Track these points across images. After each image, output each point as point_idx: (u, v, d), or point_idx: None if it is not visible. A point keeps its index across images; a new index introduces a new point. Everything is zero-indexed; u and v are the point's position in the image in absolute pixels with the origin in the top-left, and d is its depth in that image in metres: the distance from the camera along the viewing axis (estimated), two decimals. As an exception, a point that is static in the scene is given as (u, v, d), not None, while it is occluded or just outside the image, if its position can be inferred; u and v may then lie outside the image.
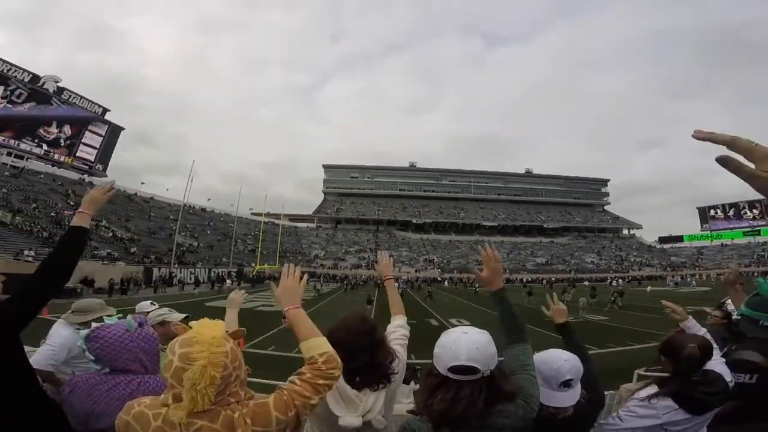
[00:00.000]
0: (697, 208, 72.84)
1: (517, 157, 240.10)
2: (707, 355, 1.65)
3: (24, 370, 1.23)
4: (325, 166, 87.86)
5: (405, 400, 5.03)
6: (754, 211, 64.51)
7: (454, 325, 1.42)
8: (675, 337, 1.76)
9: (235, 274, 33.73)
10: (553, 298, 1.94)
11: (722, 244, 66.36)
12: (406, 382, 5.22)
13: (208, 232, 48.96)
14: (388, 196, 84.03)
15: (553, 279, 46.24)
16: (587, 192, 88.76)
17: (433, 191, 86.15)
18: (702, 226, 70.90)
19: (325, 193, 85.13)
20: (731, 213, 67.47)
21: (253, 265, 40.68)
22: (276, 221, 59.66)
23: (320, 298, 24.35)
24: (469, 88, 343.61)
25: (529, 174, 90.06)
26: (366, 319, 1.39)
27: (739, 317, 2.07)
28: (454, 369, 1.07)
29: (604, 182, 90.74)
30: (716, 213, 69.43)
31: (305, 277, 1.34)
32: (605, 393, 1.93)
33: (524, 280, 48.20)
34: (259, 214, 55.00)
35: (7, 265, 16.26)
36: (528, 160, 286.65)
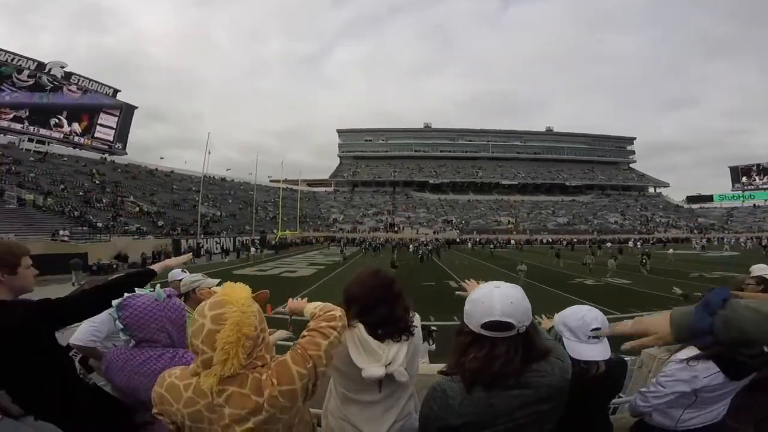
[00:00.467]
0: (729, 167, 69.11)
1: (535, 116, 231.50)
2: None
3: (59, 364, 1.39)
4: (339, 131, 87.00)
5: (420, 360, 5.25)
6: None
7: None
8: (694, 296, 1.66)
9: (258, 242, 34.74)
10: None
11: (755, 205, 63.06)
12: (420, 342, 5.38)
13: (230, 201, 50.14)
14: (404, 158, 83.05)
15: (575, 240, 45.47)
16: (612, 150, 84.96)
17: (450, 151, 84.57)
18: (733, 186, 67.52)
19: (340, 157, 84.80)
20: (766, 173, 63.44)
21: (275, 231, 41.57)
22: (294, 187, 60.33)
23: (344, 262, 25.02)
24: (482, 47, 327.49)
25: (549, 132, 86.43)
26: (380, 272, 1.38)
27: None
28: (487, 325, 1.03)
29: (630, 140, 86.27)
30: (750, 173, 65.47)
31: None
32: (626, 358, 1.81)
33: (544, 241, 47.76)
34: (278, 181, 55.44)
35: (48, 247, 17.38)
36: (548, 119, 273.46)
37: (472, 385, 1.03)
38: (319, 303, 1.27)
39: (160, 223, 31.90)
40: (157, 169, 49.17)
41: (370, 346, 1.22)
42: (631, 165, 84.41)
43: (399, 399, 1.33)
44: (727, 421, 1.60)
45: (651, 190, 78.01)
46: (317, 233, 51.56)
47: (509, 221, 58.63)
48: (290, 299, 1.48)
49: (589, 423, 1.46)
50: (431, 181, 74.97)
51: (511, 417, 1.03)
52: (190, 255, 3.17)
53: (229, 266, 22.97)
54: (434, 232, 52.83)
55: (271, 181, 62.82)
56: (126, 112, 48.17)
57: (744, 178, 66.59)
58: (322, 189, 75.13)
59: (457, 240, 48.43)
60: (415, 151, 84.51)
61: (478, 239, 47.67)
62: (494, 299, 1.04)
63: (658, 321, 0.86)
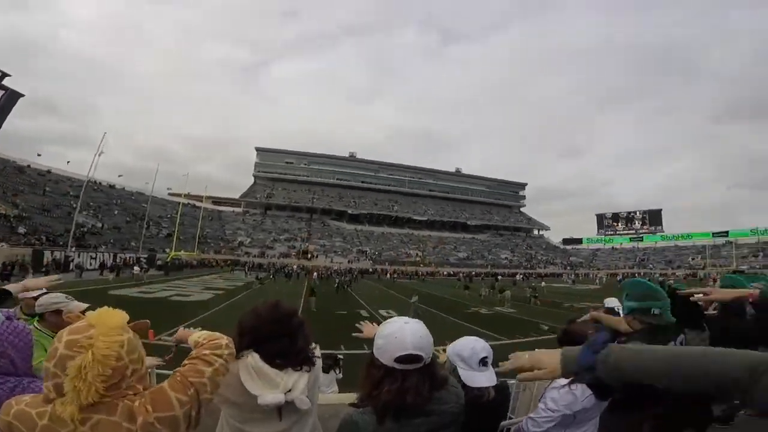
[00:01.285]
0: (596, 214, 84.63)
1: (450, 155, 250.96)
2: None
3: None
4: (259, 149, 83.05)
5: (327, 389, 5.05)
6: (640, 221, 76.79)
7: (383, 317, 1.47)
8: (575, 327, 1.92)
9: (145, 261, 30.39)
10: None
11: (613, 247, 78.09)
12: (326, 371, 5.21)
13: (116, 212, 43.29)
14: (325, 185, 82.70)
15: (473, 273, 49.85)
16: (507, 194, 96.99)
17: (370, 183, 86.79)
18: (598, 231, 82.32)
19: (255, 177, 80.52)
20: (622, 221, 79.35)
21: (167, 250, 37.15)
22: (197, 203, 54.77)
23: (259, 283, 23.34)
24: (418, 82, 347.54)
25: (458, 173, 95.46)
26: (280, 306, 1.35)
27: (630, 312, 2.16)
28: (400, 358, 1.09)
29: (522, 186, 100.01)
30: (610, 220, 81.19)
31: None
32: (511, 381, 2.05)
33: (445, 273, 51.42)
34: (178, 195, 50.05)
35: None
36: (460, 159, 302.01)
37: (384, 416, 1.06)
38: (205, 332, 1.22)
39: (21, 229, 26.20)
40: (29, 167, 40.53)
41: (266, 373, 1.20)
42: (521, 209, 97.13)
43: (301, 429, 1.31)
44: None
45: (535, 231, 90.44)
46: (218, 256, 47.16)
47: (417, 254, 61.82)
48: (181, 327, 1.42)
49: None
50: (350, 211, 75.63)
51: None
52: (57, 276, 2.69)
53: (105, 285, 19.69)
54: (349, 262, 52.91)
55: (171, 194, 56.64)
56: (8, 98, 39.18)
57: (606, 224, 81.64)
58: (230, 209, 69.91)
59: (370, 270, 49.09)
60: (337, 179, 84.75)
61: (391, 270, 49.16)
62: (406, 334, 1.11)
63: (550, 356, 0.95)
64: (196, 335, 1.21)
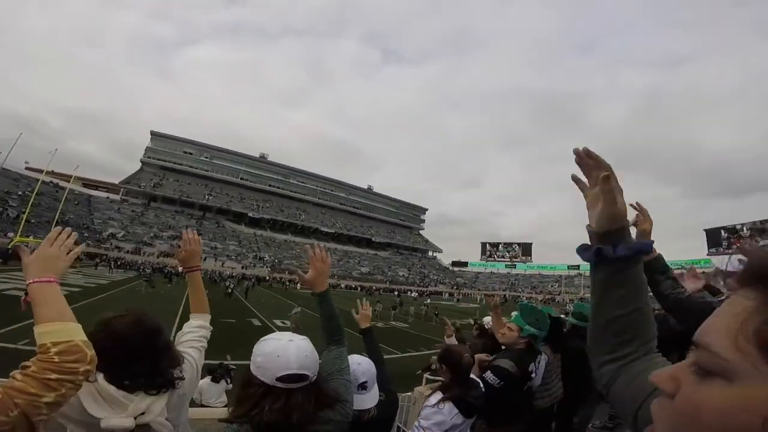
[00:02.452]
0: (481, 242, 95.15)
1: (362, 171, 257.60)
2: (472, 364, 1.95)
3: None
4: (155, 134, 72.90)
5: (214, 400, 4.73)
6: (515, 250, 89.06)
7: (278, 327, 1.50)
8: (452, 348, 2.05)
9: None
10: (363, 303, 1.99)
11: (491, 272, 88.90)
12: (216, 380, 4.86)
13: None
14: (226, 183, 76.49)
15: (373, 287, 51.33)
16: (410, 216, 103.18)
17: (278, 188, 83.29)
18: (482, 256, 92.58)
19: (143, 163, 70.26)
20: (501, 249, 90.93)
21: (10, 235, 29.97)
22: (63, 183, 45.67)
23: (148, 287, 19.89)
24: (347, 96, 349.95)
25: (369, 191, 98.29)
26: (143, 322, 1.16)
27: (528, 335, 2.35)
28: (283, 378, 1.04)
29: (423, 210, 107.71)
30: (492, 248, 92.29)
31: (78, 247, 1.11)
32: (401, 395, 2.25)
33: (344, 286, 51.87)
34: (39, 171, 40.74)
35: None
36: (370, 178, 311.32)
37: None
38: (66, 333, 0.88)
39: None
40: None
41: (112, 395, 1.05)
42: (420, 231, 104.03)
43: None
44: None
45: (430, 253, 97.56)
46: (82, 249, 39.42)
47: (320, 265, 61.04)
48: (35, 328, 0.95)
49: None
50: (251, 214, 71.21)
51: None
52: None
53: None
54: (243, 267, 49.36)
55: (28, 168, 46.02)
56: None
57: (488, 251, 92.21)
58: (104, 194, 59.87)
59: (267, 278, 46.55)
60: (242, 178, 79.14)
61: (287, 278, 47.44)
62: (290, 352, 1.06)
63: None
64: (48, 328, 0.87)
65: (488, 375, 2.06)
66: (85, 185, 58.58)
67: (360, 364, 1.53)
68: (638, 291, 0.63)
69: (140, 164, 70.28)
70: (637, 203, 1.49)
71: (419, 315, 22.68)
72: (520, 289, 73.25)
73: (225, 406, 3.82)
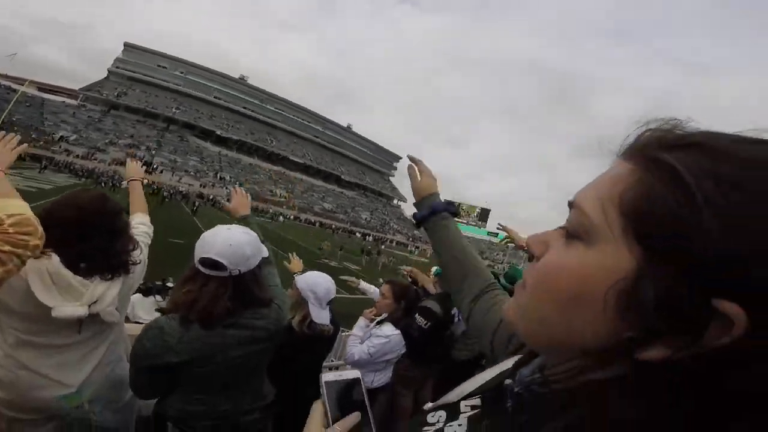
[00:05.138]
0: (445, 200, 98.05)
1: (345, 110, 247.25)
2: (418, 298, 2.12)
3: None
4: (128, 45, 67.35)
5: (144, 315, 4.71)
6: (472, 215, 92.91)
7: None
8: (400, 281, 2.17)
9: None
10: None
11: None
12: (148, 293, 4.75)
13: None
14: (198, 99, 72.41)
15: (334, 226, 51.96)
16: (383, 161, 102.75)
17: (252, 111, 79.48)
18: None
19: (110, 72, 65.07)
20: (463, 211, 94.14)
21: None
22: (16, 86, 41.79)
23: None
24: (351, 30, 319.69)
25: (347, 129, 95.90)
26: (107, 199, 1.16)
27: (436, 275, 2.57)
28: (202, 261, 1.06)
29: (398, 158, 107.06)
30: (458, 208, 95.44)
31: (22, 146, 1.19)
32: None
33: (306, 220, 51.99)
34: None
35: None
36: (351, 117, 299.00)
37: (186, 320, 1.03)
38: (18, 208, 0.88)
39: None
40: None
41: (68, 281, 1.02)
42: (390, 178, 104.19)
43: (103, 342, 1.18)
44: (395, 386, 2.15)
45: (395, 201, 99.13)
46: (27, 149, 35.73)
47: (283, 195, 60.26)
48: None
49: (310, 376, 1.58)
50: (219, 132, 68.17)
51: (227, 355, 1.07)
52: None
53: None
54: (201, 186, 47.78)
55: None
56: None
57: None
58: (60, 99, 54.68)
59: (225, 199, 45.03)
60: (215, 97, 74.92)
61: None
62: (216, 239, 1.07)
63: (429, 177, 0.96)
64: (4, 206, 0.87)
65: (417, 317, 2.15)
66: (41, 89, 53.42)
67: (330, 281, 1.60)
68: (444, 242, 0.79)
69: (107, 73, 65.12)
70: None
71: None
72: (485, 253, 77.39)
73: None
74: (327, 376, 0.42)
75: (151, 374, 1.04)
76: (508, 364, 0.41)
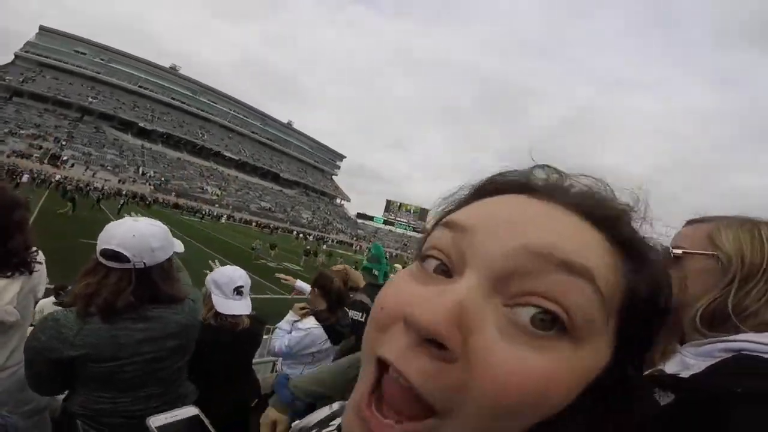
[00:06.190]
0: (387, 199, 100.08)
1: (291, 108, 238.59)
2: (343, 291, 2.08)
3: None
4: (43, 29, 59.32)
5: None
6: (412, 215, 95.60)
7: None
8: (325, 272, 2.10)
9: None
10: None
11: (389, 230, 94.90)
12: (59, 304, 4.29)
13: None
14: (120, 89, 65.21)
15: (272, 225, 49.70)
16: (325, 159, 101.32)
17: (183, 102, 73.34)
18: (383, 213, 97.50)
19: (17, 56, 56.54)
20: (403, 211, 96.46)
21: None
22: None
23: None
24: (299, 22, 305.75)
25: (288, 125, 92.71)
26: (3, 191, 1.11)
27: (363, 269, 2.63)
28: (103, 252, 1.01)
29: (341, 157, 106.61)
30: (396, 207, 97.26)
31: None
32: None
33: (242, 219, 48.82)
34: None
35: None
36: (292, 113, 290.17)
37: (86, 313, 0.97)
38: None
39: None
40: None
41: None
42: (333, 176, 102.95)
43: (5, 343, 1.15)
44: None
45: (338, 200, 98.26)
46: None
47: (215, 192, 56.40)
48: None
49: (237, 375, 1.66)
50: (142, 124, 61.82)
51: (138, 351, 1.02)
52: None
53: None
54: (120, 181, 42.77)
55: None
56: None
57: (392, 209, 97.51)
58: None
59: (148, 198, 40.05)
60: (140, 86, 67.88)
61: (173, 202, 42.69)
62: (118, 229, 1.03)
63: (274, 413, 1.06)
64: None
65: (351, 312, 2.15)
66: None
67: (236, 270, 1.59)
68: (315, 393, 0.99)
69: (13, 57, 56.44)
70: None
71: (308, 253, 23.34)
72: (410, 251, 79.60)
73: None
74: (156, 420, 0.37)
75: (48, 369, 0.98)
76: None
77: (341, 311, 2.02)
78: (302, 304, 2.11)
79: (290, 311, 2.06)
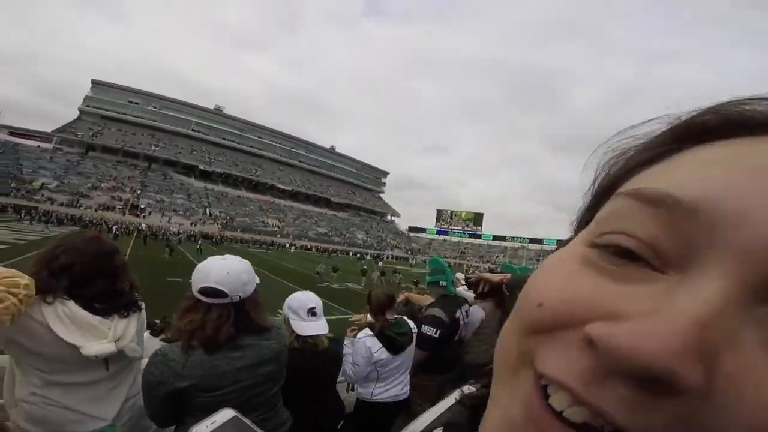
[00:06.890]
0: (437, 209, 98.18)
1: (324, 129, 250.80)
2: (392, 301, 2.07)
3: None
4: (96, 83, 66.26)
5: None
6: (468, 221, 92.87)
7: None
8: (370, 292, 2.14)
9: None
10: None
11: (444, 239, 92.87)
12: (156, 334, 4.73)
13: None
14: (176, 134, 71.92)
15: (330, 249, 51.37)
16: (371, 178, 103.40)
17: (233, 141, 79.29)
18: (436, 223, 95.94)
19: (81, 111, 63.85)
20: (456, 218, 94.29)
21: None
22: None
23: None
24: (319, 45, 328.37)
25: (332, 150, 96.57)
26: (102, 240, 1.23)
27: (428, 284, 2.50)
28: (202, 291, 1.10)
29: (385, 173, 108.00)
30: (447, 216, 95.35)
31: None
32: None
33: (303, 246, 51.20)
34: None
35: None
36: (333, 137, 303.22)
37: (190, 347, 1.07)
38: (1, 269, 1.01)
39: None
40: None
41: (88, 321, 1.10)
42: (380, 194, 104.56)
43: (128, 375, 1.26)
44: (412, 399, 2.09)
45: (388, 216, 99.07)
46: (6, 199, 35.66)
47: (275, 224, 59.69)
48: None
49: (325, 397, 1.71)
50: (202, 167, 67.58)
51: (237, 378, 1.10)
52: None
53: None
54: (192, 224, 47.13)
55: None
56: None
57: (443, 218, 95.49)
58: (34, 143, 53.73)
59: (218, 237, 44.27)
60: (193, 130, 74.51)
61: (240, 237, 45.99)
62: (213, 268, 1.13)
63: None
64: None
65: (424, 327, 2.08)
66: (12, 134, 52.56)
67: (306, 293, 1.67)
68: None
69: (78, 112, 63.93)
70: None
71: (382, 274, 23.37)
72: (468, 258, 77.30)
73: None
74: (199, 429, 0.38)
75: (161, 401, 1.08)
76: (450, 401, 0.34)
77: (389, 318, 2.01)
78: (353, 329, 2.15)
79: (345, 337, 2.09)
